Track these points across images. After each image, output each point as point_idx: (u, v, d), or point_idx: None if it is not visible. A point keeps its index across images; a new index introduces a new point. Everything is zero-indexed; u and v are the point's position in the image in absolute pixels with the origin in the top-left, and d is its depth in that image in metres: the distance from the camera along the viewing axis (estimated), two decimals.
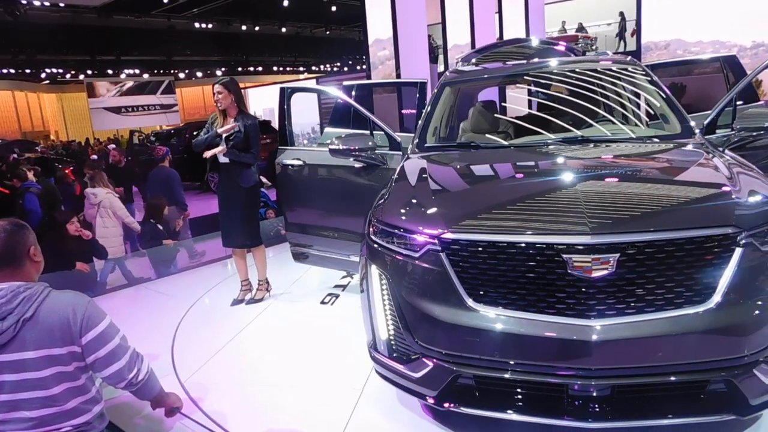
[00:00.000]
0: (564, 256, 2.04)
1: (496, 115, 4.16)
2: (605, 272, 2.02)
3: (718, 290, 2.02)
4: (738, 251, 2.04)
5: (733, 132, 3.17)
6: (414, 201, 2.61)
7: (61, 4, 19.68)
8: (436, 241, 2.26)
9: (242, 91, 4.51)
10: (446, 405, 2.26)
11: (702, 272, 2.04)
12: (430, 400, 2.30)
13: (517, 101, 6.27)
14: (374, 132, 3.90)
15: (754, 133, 3.08)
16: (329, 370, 3.30)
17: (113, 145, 17.98)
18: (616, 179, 2.55)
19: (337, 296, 4.59)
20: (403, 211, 2.56)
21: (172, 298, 4.98)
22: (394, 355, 2.44)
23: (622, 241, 2.04)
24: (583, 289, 2.04)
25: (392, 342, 2.45)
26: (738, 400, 2.03)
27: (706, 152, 2.75)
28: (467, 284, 2.19)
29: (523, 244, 2.11)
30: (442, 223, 2.29)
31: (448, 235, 2.24)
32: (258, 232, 4.52)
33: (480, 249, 2.18)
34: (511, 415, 2.15)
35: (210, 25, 24.69)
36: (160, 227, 6.30)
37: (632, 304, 2.03)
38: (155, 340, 3.94)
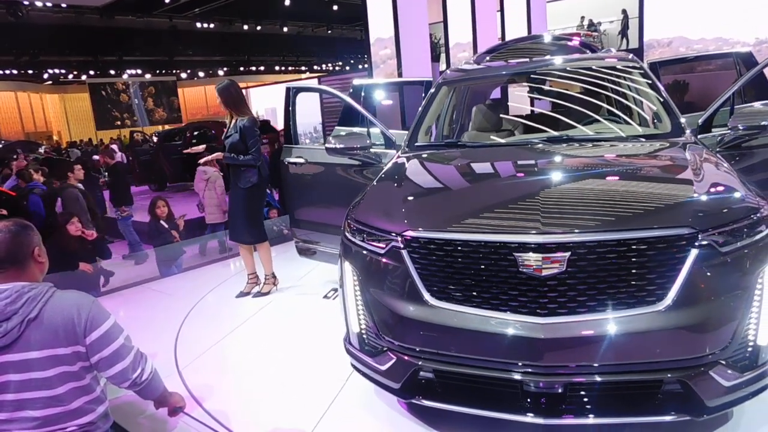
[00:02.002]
0: (515, 254, 2.07)
1: (496, 114, 4.15)
2: (555, 271, 2.03)
3: (671, 291, 2.00)
4: (693, 252, 2.01)
5: (729, 131, 3.12)
6: (384, 200, 2.71)
7: (64, 5, 19.72)
8: (399, 239, 2.33)
9: (243, 91, 4.55)
10: (409, 397, 2.35)
11: (655, 273, 2.02)
12: (394, 393, 2.40)
13: (517, 100, 6.26)
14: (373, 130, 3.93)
15: (749, 132, 3.01)
16: (322, 363, 3.33)
17: (115, 145, 18.00)
18: (581, 179, 2.55)
19: None
20: (373, 209, 2.65)
21: (176, 298, 4.99)
22: (366, 348, 2.53)
23: (572, 240, 2.04)
24: (534, 288, 2.07)
25: (363, 335, 2.55)
26: (693, 401, 2.03)
27: (687, 152, 2.71)
28: (427, 281, 2.25)
29: (477, 243, 2.16)
30: (405, 222, 2.36)
31: (410, 233, 2.30)
32: (262, 229, 4.58)
33: (437, 246, 2.24)
34: (470, 409, 2.22)
35: (212, 25, 24.72)
36: (165, 225, 6.39)
37: (583, 302, 2.04)
38: (158, 340, 3.95)
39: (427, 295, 2.23)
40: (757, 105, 3.14)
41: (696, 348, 2.01)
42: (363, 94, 5.17)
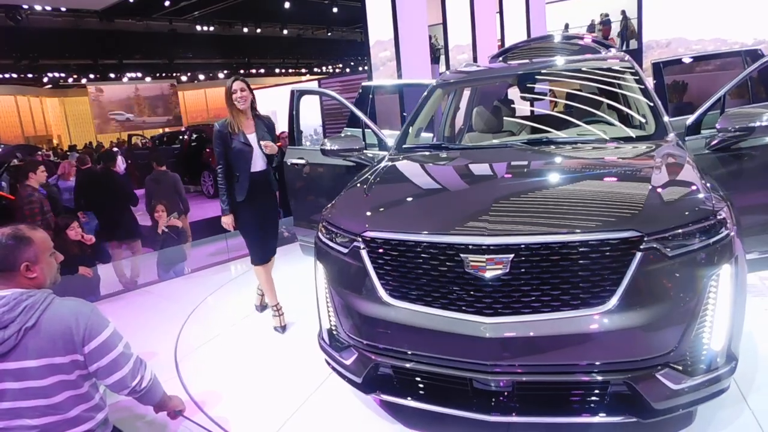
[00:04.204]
0: (462, 255, 2.12)
1: (495, 116, 4.14)
2: (499, 272, 2.07)
3: (615, 294, 2.00)
4: (638, 256, 2.01)
5: (717, 133, 3.06)
6: (354, 202, 2.78)
7: (63, 9, 19.74)
8: (359, 239, 2.40)
9: None
10: (370, 391, 2.44)
11: (598, 275, 2.03)
12: (357, 387, 2.49)
13: (514, 101, 6.28)
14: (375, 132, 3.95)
15: (738, 134, 2.96)
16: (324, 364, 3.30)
17: (116, 149, 17.97)
18: (539, 182, 2.55)
19: None
20: (342, 211, 2.72)
21: (175, 302, 4.97)
22: (335, 343, 2.64)
23: (515, 242, 2.07)
24: (480, 288, 2.11)
25: (333, 331, 2.66)
26: (640, 403, 2.03)
27: (658, 154, 2.63)
28: (383, 280, 2.33)
29: (428, 243, 2.22)
30: (365, 222, 2.44)
31: (368, 233, 2.38)
32: None
33: (392, 247, 2.31)
34: (424, 405, 2.29)
35: (212, 28, 24.72)
36: (166, 229, 6.36)
37: (527, 303, 2.07)
38: (158, 343, 3.93)
39: (383, 293, 2.30)
40: (746, 107, 3.10)
41: (641, 350, 2.03)
42: (371, 95, 5.23)
